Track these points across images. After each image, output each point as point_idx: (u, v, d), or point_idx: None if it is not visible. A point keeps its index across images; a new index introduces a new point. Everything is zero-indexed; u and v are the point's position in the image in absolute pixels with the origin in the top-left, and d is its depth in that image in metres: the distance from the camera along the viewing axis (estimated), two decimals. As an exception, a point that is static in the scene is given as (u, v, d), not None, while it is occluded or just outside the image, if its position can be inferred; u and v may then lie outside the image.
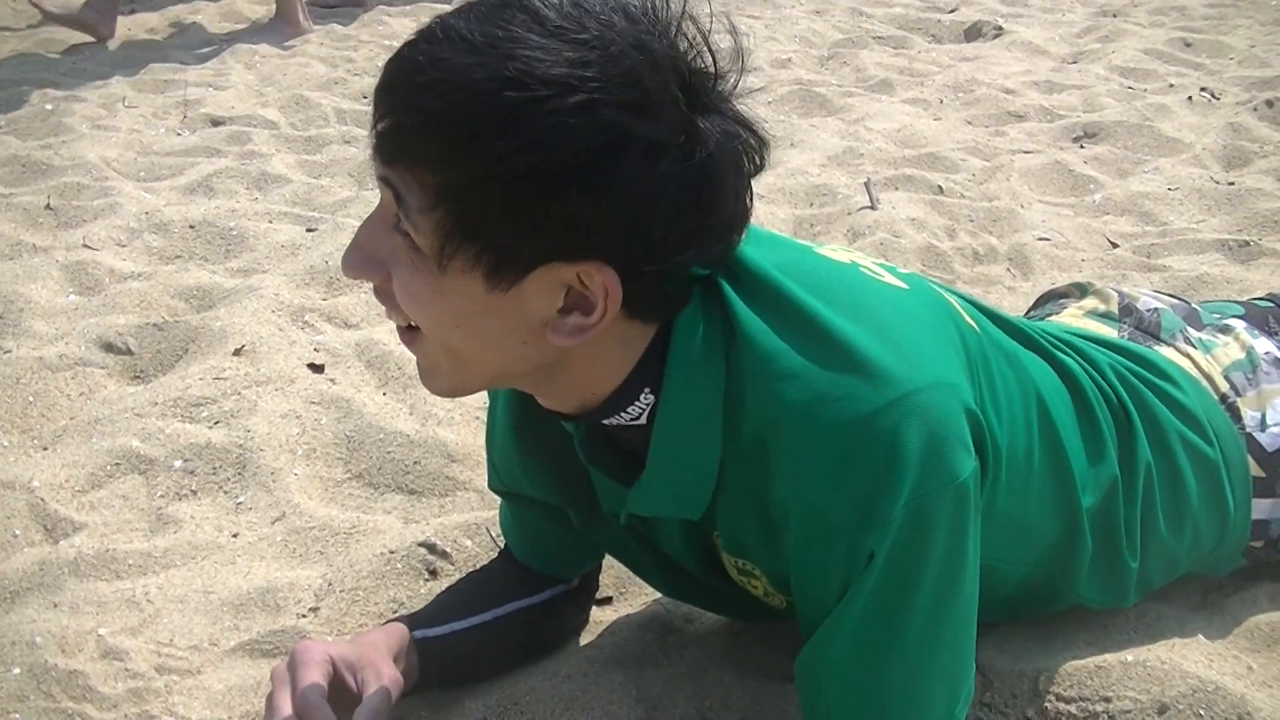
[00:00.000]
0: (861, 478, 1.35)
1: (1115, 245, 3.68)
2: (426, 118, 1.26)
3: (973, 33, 6.55)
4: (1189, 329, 2.07)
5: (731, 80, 1.35)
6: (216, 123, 4.94)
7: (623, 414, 1.46)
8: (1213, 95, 5.13)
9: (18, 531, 2.27)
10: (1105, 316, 2.11)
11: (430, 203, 1.29)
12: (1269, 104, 4.84)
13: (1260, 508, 1.93)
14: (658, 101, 1.26)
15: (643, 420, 1.47)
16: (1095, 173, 4.30)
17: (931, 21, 6.74)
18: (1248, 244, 3.59)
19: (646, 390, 1.44)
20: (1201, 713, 1.77)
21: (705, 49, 1.33)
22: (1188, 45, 6.02)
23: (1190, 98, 5.08)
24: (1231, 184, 4.12)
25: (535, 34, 1.23)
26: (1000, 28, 6.49)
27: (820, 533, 1.39)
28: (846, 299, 1.45)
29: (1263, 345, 2.05)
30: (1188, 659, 1.86)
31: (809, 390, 1.38)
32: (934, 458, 1.36)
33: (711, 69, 1.34)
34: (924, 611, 1.42)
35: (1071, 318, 2.13)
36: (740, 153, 1.34)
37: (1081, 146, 4.59)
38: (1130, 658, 1.86)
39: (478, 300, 1.33)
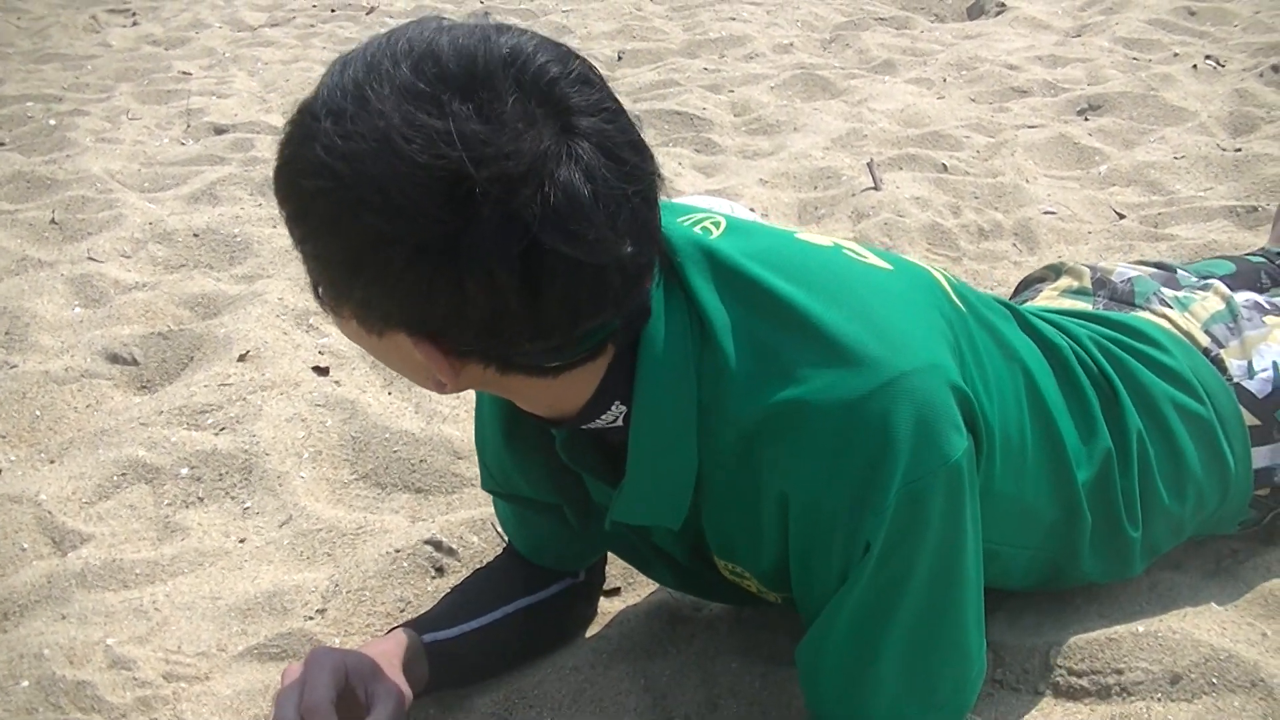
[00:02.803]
0: (853, 467, 1.34)
1: (1122, 216, 3.66)
2: (275, 182, 1.29)
3: (975, 10, 6.53)
4: (1164, 290, 2.05)
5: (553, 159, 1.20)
6: (220, 131, 4.95)
7: (598, 420, 1.45)
8: (1218, 63, 5.09)
9: (25, 545, 2.27)
10: (1079, 293, 2.10)
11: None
12: (1275, 69, 4.80)
13: (1260, 455, 1.92)
14: (413, 209, 1.18)
15: (620, 423, 1.45)
16: (1100, 145, 4.28)
17: (934, 0, 6.71)
18: (1255, 209, 3.57)
19: (617, 402, 1.42)
20: (1214, 681, 1.75)
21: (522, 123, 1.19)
22: (1192, 14, 5.99)
23: (1195, 66, 5.05)
24: (1239, 150, 4.09)
25: (335, 126, 1.20)
26: (1003, 4, 6.46)
27: (817, 524, 1.39)
28: (827, 284, 1.44)
29: (1243, 295, 2.03)
30: (1200, 628, 1.85)
31: (793, 384, 1.36)
32: (924, 441, 1.34)
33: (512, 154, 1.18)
34: (922, 594, 1.41)
35: (1047, 300, 2.12)
36: (535, 245, 1.19)
37: (1086, 119, 4.57)
38: (1141, 628, 1.84)
39: (363, 337, 1.33)
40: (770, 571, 1.54)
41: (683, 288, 1.43)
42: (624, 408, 1.43)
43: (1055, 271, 2.22)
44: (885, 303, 1.44)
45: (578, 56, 1.28)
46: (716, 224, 1.52)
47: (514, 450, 1.71)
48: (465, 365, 1.31)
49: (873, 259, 1.54)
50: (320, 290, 1.31)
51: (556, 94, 1.21)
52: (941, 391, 1.37)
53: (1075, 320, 1.90)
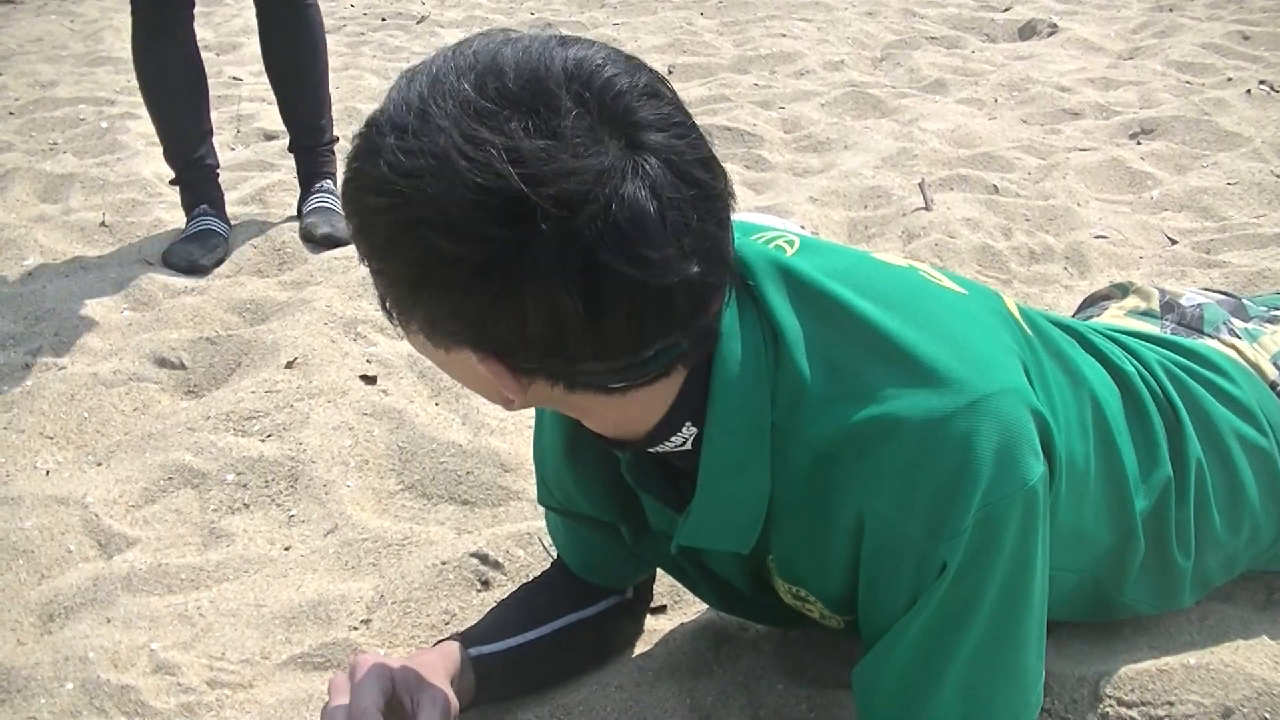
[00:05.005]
0: (933, 488, 1.32)
1: (1174, 242, 3.63)
2: (342, 196, 1.29)
3: (1027, 31, 6.50)
4: (1233, 320, 2.03)
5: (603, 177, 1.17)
6: (269, 137, 4.98)
7: (667, 443, 1.43)
8: (1272, 88, 5.06)
9: (72, 547, 2.28)
10: (1147, 314, 2.07)
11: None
12: (1330, 96, 4.78)
13: None
14: (473, 228, 1.16)
15: (689, 447, 1.43)
16: (1153, 169, 4.25)
17: (985, 20, 6.69)
18: (1310, 238, 3.54)
19: (688, 423, 1.41)
20: (1267, 716, 1.73)
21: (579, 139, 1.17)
22: (1246, 38, 5.95)
23: (1249, 91, 5.02)
24: (1293, 177, 4.06)
25: (399, 142, 1.19)
26: (1055, 25, 6.44)
27: (892, 544, 1.37)
28: (906, 303, 1.42)
29: None
30: (1252, 661, 1.83)
31: (874, 403, 1.35)
32: (1004, 463, 1.33)
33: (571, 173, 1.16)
34: (988, 619, 1.38)
35: (1113, 318, 2.10)
36: (597, 265, 1.17)
37: (1139, 143, 4.54)
38: (1193, 660, 1.82)
39: (430, 351, 1.32)
40: (837, 595, 1.52)
41: (757, 305, 1.41)
42: (694, 429, 1.41)
43: (1122, 290, 2.20)
44: (964, 324, 1.43)
45: (647, 68, 1.25)
46: (790, 243, 1.50)
47: (574, 466, 1.70)
48: (532, 382, 1.30)
49: (946, 282, 1.53)
50: (387, 304, 1.30)
51: (623, 108, 1.19)
52: (1023, 415, 1.35)
53: (1144, 343, 1.88)
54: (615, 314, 1.19)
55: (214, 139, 3.92)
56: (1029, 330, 1.59)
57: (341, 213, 3.81)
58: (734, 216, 1.31)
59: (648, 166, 1.18)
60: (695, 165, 1.22)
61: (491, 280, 1.17)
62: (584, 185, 1.15)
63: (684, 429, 1.41)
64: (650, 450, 1.46)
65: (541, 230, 1.15)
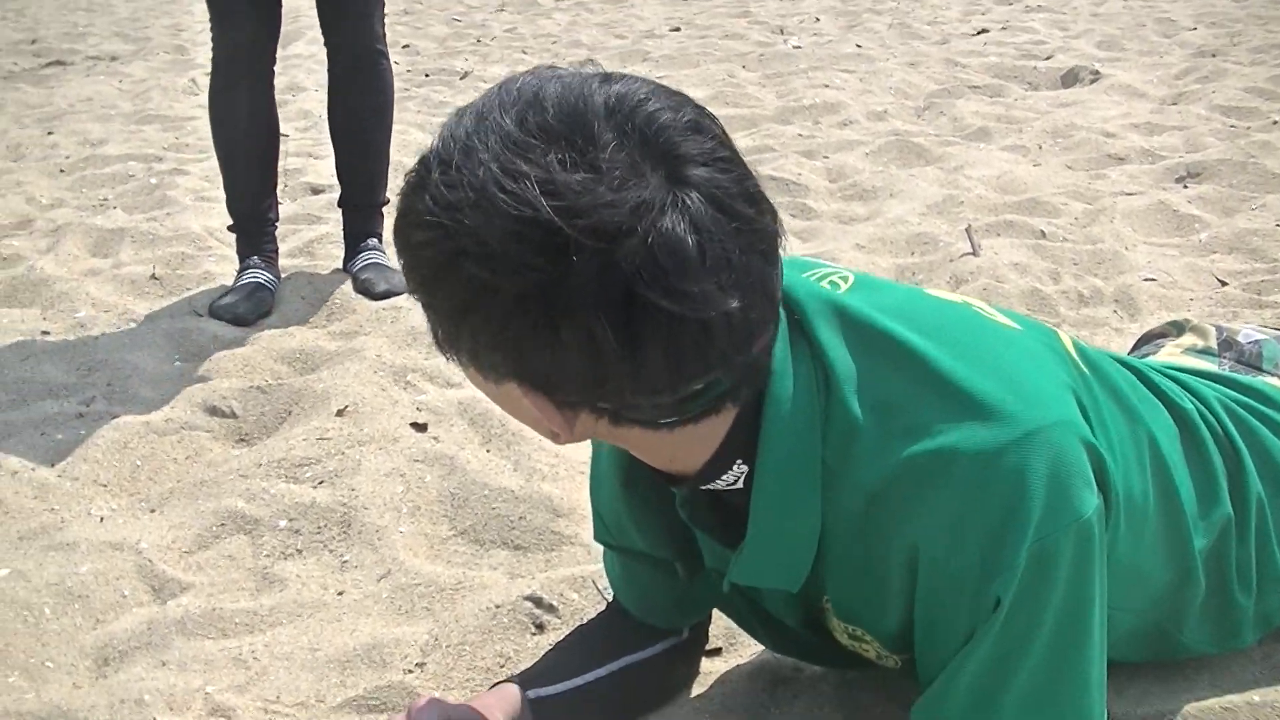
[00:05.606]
0: (986, 521, 1.31)
1: (1224, 283, 3.61)
2: (394, 233, 1.30)
3: (1069, 78, 6.50)
4: None
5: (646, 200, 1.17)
6: (316, 190, 5.01)
7: (718, 481, 1.43)
8: (1318, 132, 5.05)
9: (126, 592, 2.28)
10: (1204, 353, 2.06)
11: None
12: (1378, 138, 4.75)
13: None
14: (511, 259, 1.17)
15: (740, 485, 1.43)
16: (1200, 212, 4.23)
17: (1028, 69, 6.70)
18: (1362, 278, 3.51)
19: (739, 461, 1.41)
20: (1334, 754, 1.71)
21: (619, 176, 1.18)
22: (1291, 83, 5.94)
23: (1295, 134, 5.01)
24: (1342, 219, 4.03)
25: (442, 176, 1.21)
26: (1097, 72, 6.43)
27: (946, 579, 1.36)
28: (960, 338, 1.42)
29: None
30: (1318, 698, 1.80)
31: (926, 438, 1.34)
32: (1057, 497, 1.31)
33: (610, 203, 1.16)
34: (1045, 654, 1.37)
35: (1170, 356, 2.08)
36: (634, 298, 1.17)
37: (1185, 186, 4.53)
38: (1257, 698, 1.80)
39: (481, 383, 1.33)
40: (894, 633, 1.51)
41: (809, 343, 1.41)
42: (745, 468, 1.41)
43: (1178, 328, 2.18)
44: (1017, 359, 1.42)
45: (692, 104, 1.26)
46: (844, 279, 1.50)
47: (630, 501, 1.69)
48: (577, 416, 1.30)
49: (1001, 317, 1.52)
50: (437, 336, 1.31)
51: (664, 142, 1.20)
52: (1075, 447, 1.34)
53: (1202, 380, 1.87)
54: (652, 348, 1.20)
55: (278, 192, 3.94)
56: (1085, 367, 1.57)
57: (393, 266, 3.84)
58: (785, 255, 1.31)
59: (688, 200, 1.19)
60: (739, 199, 1.23)
61: (530, 311, 1.18)
62: (620, 218, 1.16)
63: (735, 467, 1.41)
64: (704, 487, 1.46)
65: (577, 262, 1.16)
